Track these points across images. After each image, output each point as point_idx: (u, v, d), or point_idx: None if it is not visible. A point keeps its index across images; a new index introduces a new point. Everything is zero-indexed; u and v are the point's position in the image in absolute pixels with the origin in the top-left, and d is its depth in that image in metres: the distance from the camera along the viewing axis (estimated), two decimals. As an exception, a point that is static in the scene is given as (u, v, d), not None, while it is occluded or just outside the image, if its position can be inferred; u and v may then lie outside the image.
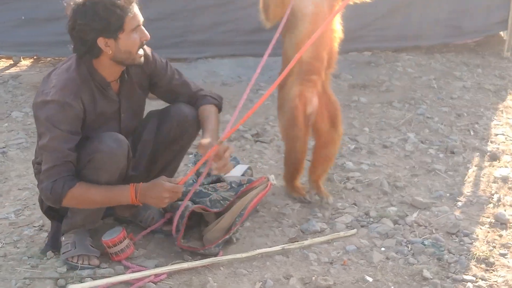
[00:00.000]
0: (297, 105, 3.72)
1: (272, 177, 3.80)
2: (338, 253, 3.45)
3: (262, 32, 6.22)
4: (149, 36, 3.09)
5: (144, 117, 3.48)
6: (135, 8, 3.02)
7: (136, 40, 3.04)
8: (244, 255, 3.31)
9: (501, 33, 6.93)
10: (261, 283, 3.16)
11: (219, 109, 3.53)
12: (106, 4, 2.91)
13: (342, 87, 5.72)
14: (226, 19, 6.29)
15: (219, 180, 3.81)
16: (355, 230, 3.63)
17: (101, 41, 2.97)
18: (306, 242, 3.48)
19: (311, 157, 3.99)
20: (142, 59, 3.13)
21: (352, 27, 6.36)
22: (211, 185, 3.73)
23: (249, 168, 4.08)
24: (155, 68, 3.34)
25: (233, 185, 3.71)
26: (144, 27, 3.09)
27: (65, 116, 2.96)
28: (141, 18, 3.05)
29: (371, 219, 3.76)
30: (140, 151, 3.41)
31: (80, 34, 2.96)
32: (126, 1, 2.96)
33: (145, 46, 3.22)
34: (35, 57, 6.16)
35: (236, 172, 3.99)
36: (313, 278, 3.21)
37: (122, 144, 3.08)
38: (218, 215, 3.51)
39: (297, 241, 3.50)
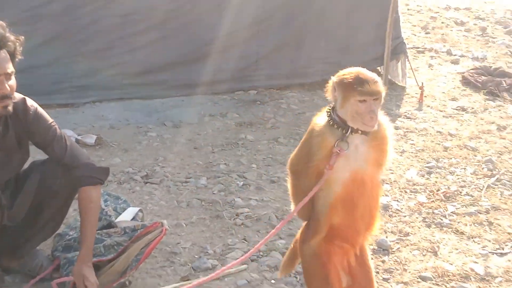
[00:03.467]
0: (325, 263, 2.88)
1: (165, 222, 3.83)
2: (230, 288, 3.53)
3: (148, 74, 6.35)
4: (7, 90, 2.95)
5: (27, 167, 3.41)
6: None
7: None
8: (136, 296, 3.34)
9: (378, 68, 7.27)
10: (153, 323, 3.20)
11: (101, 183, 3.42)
12: None
13: (229, 125, 5.84)
14: (112, 62, 6.31)
15: (110, 225, 3.82)
16: (245, 265, 3.72)
17: None
18: (198, 280, 3.54)
19: None
20: (8, 110, 3.01)
21: (238, 67, 6.60)
22: (104, 230, 3.73)
23: (140, 210, 4.11)
24: (37, 128, 3.24)
25: (127, 230, 3.70)
26: (15, 77, 3.00)
27: None
28: (2, 68, 2.93)
29: (261, 253, 3.86)
30: (19, 202, 3.30)
31: None
32: None
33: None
34: None
35: (127, 215, 4.01)
36: (206, 314, 3.28)
37: None
38: (111, 260, 3.52)
39: (189, 280, 3.55)
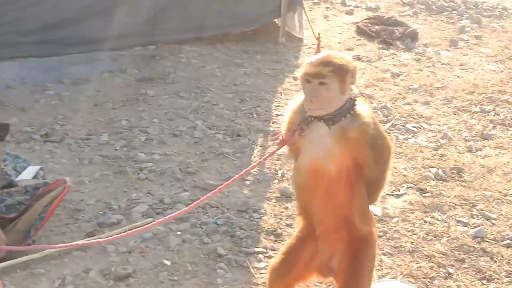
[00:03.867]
0: (302, 236, 2.86)
1: (68, 179, 3.80)
2: (136, 242, 3.56)
3: (45, 32, 6.18)
4: None
5: None
6: None
7: None
8: (40, 254, 3.32)
9: (276, 20, 7.33)
10: (60, 280, 3.21)
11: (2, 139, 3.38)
12: None
13: (129, 81, 5.79)
14: (5, 20, 6.10)
15: (11, 184, 3.75)
16: (151, 219, 3.75)
17: None
18: (103, 235, 3.55)
19: None
20: None
21: (136, 23, 6.51)
22: (4, 190, 3.66)
23: (41, 169, 4.04)
24: None
25: (28, 189, 3.64)
26: None
27: None
28: None
29: (166, 206, 3.91)
30: None
31: None
32: None
33: None
34: None
35: (28, 174, 3.95)
36: (113, 268, 3.32)
37: None
38: (14, 219, 3.48)
39: (94, 235, 3.56)
